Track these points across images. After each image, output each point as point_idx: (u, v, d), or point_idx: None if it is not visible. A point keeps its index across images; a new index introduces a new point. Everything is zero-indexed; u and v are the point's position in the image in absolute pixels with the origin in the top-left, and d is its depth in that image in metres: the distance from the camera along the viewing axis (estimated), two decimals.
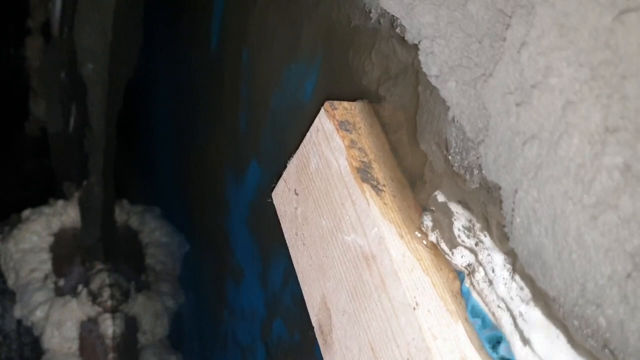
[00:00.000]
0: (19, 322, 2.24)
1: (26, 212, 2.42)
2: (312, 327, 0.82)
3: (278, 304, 0.93)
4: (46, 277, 2.29)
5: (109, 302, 2.19)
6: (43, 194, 5.06)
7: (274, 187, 0.79)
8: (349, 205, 0.64)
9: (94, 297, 2.20)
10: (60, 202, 2.45)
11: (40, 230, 2.37)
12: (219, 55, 1.17)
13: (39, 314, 2.18)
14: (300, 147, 0.73)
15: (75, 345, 2.18)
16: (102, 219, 2.35)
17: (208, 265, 1.32)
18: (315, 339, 0.81)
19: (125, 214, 2.56)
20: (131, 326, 2.26)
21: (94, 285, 2.22)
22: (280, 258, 0.92)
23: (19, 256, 2.31)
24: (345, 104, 0.69)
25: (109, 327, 2.17)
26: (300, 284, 0.73)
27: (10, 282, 2.31)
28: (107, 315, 2.18)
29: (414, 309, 0.55)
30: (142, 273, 2.41)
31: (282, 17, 0.91)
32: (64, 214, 2.44)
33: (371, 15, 0.67)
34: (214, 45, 1.19)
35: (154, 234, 2.49)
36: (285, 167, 0.89)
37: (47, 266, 2.32)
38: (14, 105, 4.23)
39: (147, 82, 1.92)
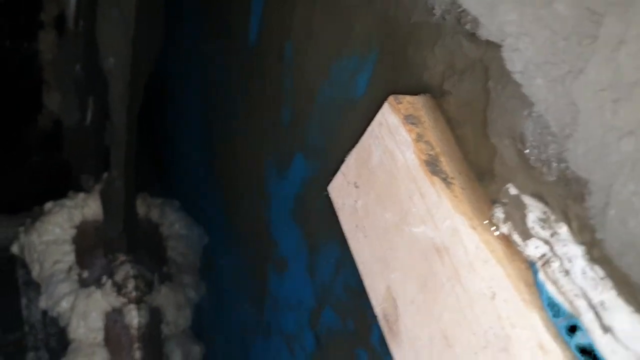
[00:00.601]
0: (44, 312, 2.26)
1: (48, 205, 2.44)
2: (367, 315, 0.84)
3: (328, 294, 0.95)
4: (70, 268, 2.31)
5: (134, 293, 2.21)
6: (55, 187, 5.09)
7: (331, 180, 0.80)
8: (417, 198, 0.65)
9: (119, 288, 2.23)
10: (81, 195, 2.47)
11: (62, 222, 2.39)
12: (258, 50, 1.19)
13: (64, 305, 2.20)
14: (360, 141, 0.74)
15: (100, 336, 2.20)
16: (124, 212, 2.37)
17: (243, 257, 1.34)
18: (371, 327, 0.83)
19: (146, 207, 2.58)
20: (155, 317, 2.28)
21: (119, 277, 2.24)
22: (330, 249, 0.94)
23: (42, 248, 2.34)
24: (409, 98, 0.71)
25: (134, 317, 2.19)
26: (362, 275, 0.75)
27: (35, 273, 2.34)
28: (132, 306, 2.20)
29: (491, 298, 0.57)
30: (164, 265, 2.43)
31: (331, 11, 0.92)
32: (85, 207, 2.46)
33: (434, 12, 0.69)
34: (253, 39, 1.20)
35: (174, 226, 2.51)
36: (337, 160, 0.91)
37: (71, 258, 2.34)
38: (27, 98, 4.25)
39: (169, 74, 1.94)
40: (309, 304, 1.01)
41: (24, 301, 2.25)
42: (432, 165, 0.65)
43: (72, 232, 2.38)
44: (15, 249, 2.39)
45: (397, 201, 0.68)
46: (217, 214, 1.50)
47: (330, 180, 0.92)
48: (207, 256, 2.31)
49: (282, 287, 1.11)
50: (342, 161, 0.91)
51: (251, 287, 1.26)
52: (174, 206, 2.54)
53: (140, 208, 2.54)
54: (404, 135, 0.67)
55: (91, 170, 3.11)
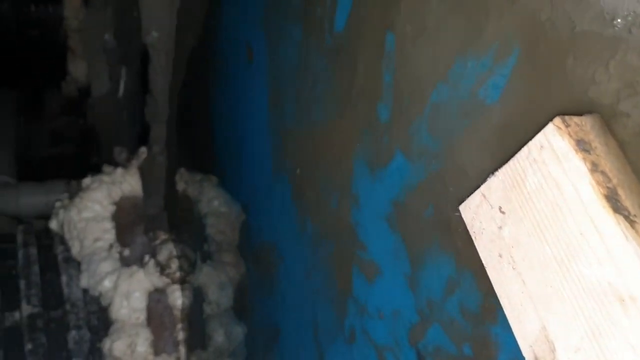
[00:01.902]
0: (85, 291, 2.22)
1: (86, 181, 2.38)
2: (492, 345, 0.78)
3: (437, 312, 0.89)
4: (111, 246, 2.27)
5: (177, 274, 2.17)
6: (76, 151, 5.04)
7: (465, 199, 0.73)
8: (593, 236, 0.58)
9: (162, 268, 2.18)
10: (119, 170, 2.41)
11: (101, 199, 2.33)
12: (347, 36, 1.10)
13: (107, 284, 2.16)
14: (511, 162, 0.67)
15: (143, 316, 2.17)
16: (165, 189, 2.31)
17: (318, 252, 1.28)
18: (497, 357, 0.76)
19: (184, 183, 2.52)
20: (198, 297, 2.25)
21: (162, 257, 2.19)
22: (441, 265, 0.87)
23: (82, 225, 2.29)
24: (577, 119, 0.63)
25: (178, 298, 2.15)
26: (505, 308, 0.68)
27: (75, 251, 2.29)
28: (176, 287, 2.16)
29: None
30: (204, 243, 2.38)
31: (452, 4, 0.84)
32: (124, 182, 2.40)
33: (615, 23, 0.60)
34: (340, 25, 1.12)
35: (213, 203, 2.46)
36: (456, 167, 0.84)
37: (111, 235, 2.30)
38: (51, 65, 4.17)
39: (219, 47, 1.85)
40: (409, 318, 0.95)
41: (64, 279, 2.21)
42: (613, 201, 0.58)
43: (112, 208, 2.32)
44: (54, 225, 2.34)
45: (563, 236, 0.61)
46: (283, 201, 1.43)
47: (443, 190, 0.85)
48: (246, 234, 2.26)
49: (371, 294, 1.05)
50: (462, 171, 0.83)
51: (328, 285, 1.20)
52: (212, 182, 2.49)
53: (179, 184, 2.48)
54: (577, 164, 0.60)
55: (123, 142, 3.04)
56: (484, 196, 0.70)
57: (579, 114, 0.65)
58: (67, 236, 2.31)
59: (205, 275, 2.23)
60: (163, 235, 2.28)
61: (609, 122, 0.63)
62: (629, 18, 0.59)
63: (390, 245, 0.99)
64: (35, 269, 2.20)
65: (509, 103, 0.75)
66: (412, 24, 0.92)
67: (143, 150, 2.44)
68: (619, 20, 0.60)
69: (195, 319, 2.22)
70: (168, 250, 2.19)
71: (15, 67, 4.17)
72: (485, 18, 0.78)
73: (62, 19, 3.92)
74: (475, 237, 0.72)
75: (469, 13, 0.81)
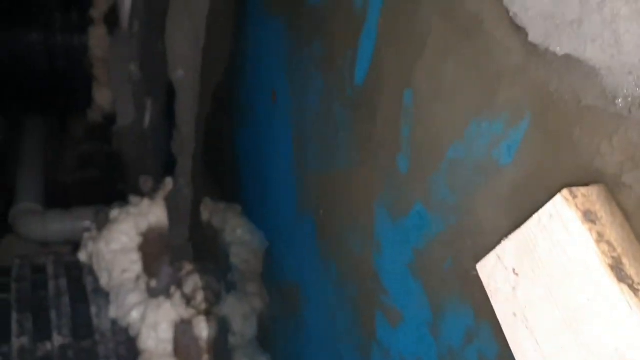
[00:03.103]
0: (114, 322, 2.28)
1: (114, 212, 2.45)
2: None
3: (457, 358, 0.93)
4: (138, 277, 2.33)
5: (203, 305, 2.22)
6: (101, 176, 5.13)
7: (482, 254, 0.77)
8: (599, 304, 0.62)
9: (188, 299, 2.24)
10: (146, 202, 2.48)
11: (129, 230, 2.40)
12: (367, 90, 1.15)
13: (134, 315, 2.22)
14: (523, 228, 0.71)
15: (170, 347, 2.22)
16: (190, 220, 2.37)
17: (341, 294, 1.32)
18: None
19: (208, 213, 2.58)
20: (223, 327, 2.29)
21: (187, 288, 2.25)
22: (460, 315, 0.91)
23: (110, 257, 2.35)
24: (583, 190, 0.67)
25: (204, 329, 2.20)
26: None
27: (104, 282, 2.36)
28: (202, 318, 2.21)
29: None
30: (228, 273, 2.43)
31: (468, 69, 0.89)
32: (150, 214, 2.47)
33: (617, 102, 0.65)
34: (360, 79, 1.17)
35: (236, 232, 2.51)
36: (472, 222, 0.88)
37: (138, 266, 2.36)
38: (77, 92, 4.27)
39: (245, 87, 1.91)
40: None
41: (93, 309, 2.27)
42: (617, 270, 0.62)
43: (139, 239, 2.39)
44: (83, 256, 2.41)
45: (572, 301, 0.65)
46: (307, 241, 1.48)
47: (461, 243, 0.89)
48: (269, 262, 2.31)
49: (395, 339, 1.09)
50: (479, 226, 0.88)
51: (353, 328, 1.24)
52: (236, 211, 2.54)
53: (203, 214, 2.54)
54: (583, 234, 0.64)
55: (149, 171, 3.12)
56: (499, 258, 0.75)
57: (586, 182, 0.69)
58: (95, 267, 2.38)
59: (230, 306, 2.28)
60: (188, 266, 2.33)
61: (614, 192, 0.67)
62: (629, 99, 0.63)
63: (412, 292, 1.04)
64: (66, 299, 2.27)
65: (521, 166, 0.80)
66: (430, 82, 0.97)
67: (169, 181, 2.51)
68: (620, 100, 0.64)
69: (221, 350, 2.27)
70: (194, 282, 2.24)
71: (43, 95, 4.28)
72: (498, 83, 0.83)
73: (87, 48, 4.02)
74: (491, 296, 0.76)
75: (483, 77, 0.86)
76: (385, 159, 1.10)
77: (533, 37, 0.74)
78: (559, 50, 0.70)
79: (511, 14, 0.77)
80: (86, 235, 2.49)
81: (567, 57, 0.70)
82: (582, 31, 0.66)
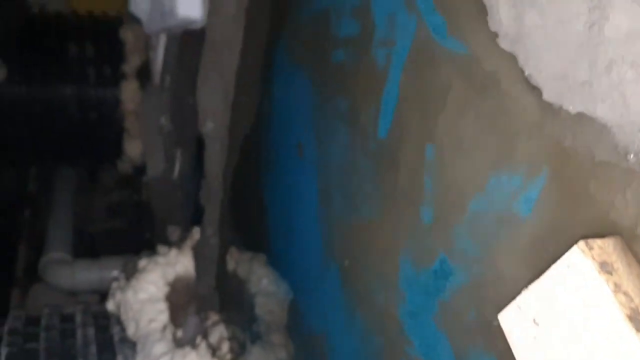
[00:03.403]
0: None
1: (142, 262, 2.49)
2: None
3: None
4: (164, 327, 2.35)
5: (228, 356, 2.23)
6: (129, 225, 5.21)
7: (504, 304, 0.79)
8: (619, 354, 0.64)
9: (213, 350, 2.25)
10: (173, 252, 2.52)
11: (156, 280, 2.44)
12: (390, 143, 1.20)
13: None
14: (542, 278, 0.73)
15: None
16: (216, 270, 2.40)
17: (366, 343, 1.33)
18: None
19: (234, 262, 2.61)
20: None
21: (213, 338, 2.26)
22: None
23: (137, 306, 2.38)
24: (599, 241, 0.69)
25: None
26: None
27: (130, 331, 2.38)
28: None
29: None
30: (253, 323, 2.44)
31: (486, 124, 0.92)
32: (178, 264, 2.51)
33: (629, 157, 0.68)
34: (383, 133, 1.22)
35: (262, 282, 2.53)
36: (495, 273, 0.90)
37: (164, 316, 2.38)
38: (108, 144, 4.39)
39: (270, 138, 1.97)
40: None
41: (120, 359, 2.29)
42: (636, 321, 0.64)
43: (166, 289, 2.42)
44: (111, 305, 2.45)
45: (592, 350, 0.67)
46: (333, 290, 1.51)
47: (484, 293, 0.91)
48: (294, 315, 2.32)
49: None
50: (500, 277, 0.90)
51: None
52: (261, 261, 2.57)
53: (229, 263, 2.57)
54: (600, 285, 0.66)
55: (177, 221, 3.18)
56: (520, 308, 0.77)
57: (603, 234, 0.71)
58: (123, 317, 2.41)
59: (255, 357, 2.28)
60: (214, 316, 2.35)
61: (629, 243, 0.69)
62: None
63: (437, 344, 1.05)
64: (93, 349, 2.30)
65: (539, 218, 0.82)
66: (450, 137, 1.01)
67: (196, 230, 2.56)
68: (631, 155, 0.67)
69: None
70: (219, 332, 2.26)
71: (75, 146, 4.39)
72: (516, 139, 0.87)
73: (119, 101, 4.15)
74: (513, 345, 0.78)
75: (502, 133, 0.90)
76: (409, 210, 1.14)
77: (547, 96, 0.78)
78: (572, 108, 0.74)
79: (526, 74, 0.81)
80: (114, 284, 2.53)
81: (580, 115, 0.73)
82: (592, 92, 0.69)
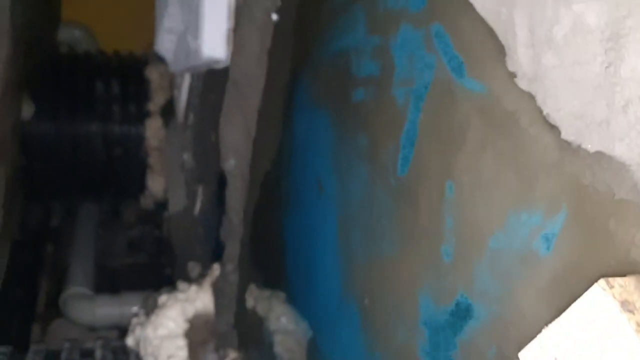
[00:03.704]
0: None
1: (162, 298, 2.50)
2: None
3: None
4: None
5: None
6: (150, 261, 5.24)
7: (525, 343, 0.79)
8: None
9: None
10: (193, 288, 2.53)
11: (176, 316, 2.44)
12: (409, 180, 1.21)
13: None
14: (563, 317, 0.73)
15: None
16: (236, 306, 2.40)
17: None
18: None
19: (253, 300, 2.60)
20: None
21: None
22: None
23: (157, 342, 2.38)
24: (620, 280, 0.69)
25: None
26: None
27: None
28: None
29: None
30: None
31: (506, 162, 0.93)
32: (197, 300, 2.51)
33: None
34: (403, 170, 1.23)
35: (281, 320, 2.52)
36: (515, 312, 0.90)
37: (183, 353, 2.38)
38: (131, 179, 4.45)
39: (292, 174, 1.99)
40: None
41: None
42: None
43: (185, 326, 2.42)
44: (130, 341, 2.45)
45: None
46: (352, 330, 1.50)
47: (504, 332, 0.91)
48: (313, 353, 2.30)
49: None
50: (521, 315, 0.89)
51: None
52: (280, 298, 2.57)
53: (248, 300, 2.57)
54: (622, 324, 0.66)
55: (197, 257, 3.20)
56: (541, 347, 0.76)
57: (623, 272, 0.71)
58: (142, 352, 2.41)
59: None
60: (233, 353, 2.35)
61: None
62: None
63: None
64: None
65: (560, 256, 0.82)
66: (470, 175, 1.02)
67: (216, 267, 2.57)
68: None
69: None
70: None
71: (99, 182, 4.45)
72: (535, 177, 0.87)
73: (143, 138, 4.22)
74: None
75: (521, 171, 0.90)
76: (429, 248, 1.14)
77: (565, 134, 0.79)
78: (590, 147, 0.74)
79: (544, 113, 0.82)
80: (134, 320, 2.54)
81: (599, 154, 0.74)
82: (610, 131, 0.70)
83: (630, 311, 0.67)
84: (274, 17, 2.01)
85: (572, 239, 0.81)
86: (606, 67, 0.72)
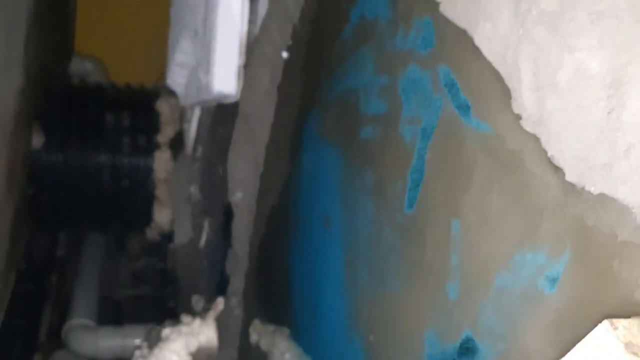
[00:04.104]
0: None
1: (166, 331, 2.49)
2: None
3: None
4: None
5: None
6: (154, 293, 5.22)
7: None
8: None
9: None
10: (197, 322, 2.52)
11: (179, 349, 2.43)
12: (416, 218, 1.22)
13: None
14: (567, 357, 0.74)
15: None
16: (239, 341, 2.40)
17: None
18: None
19: (257, 335, 2.59)
20: None
21: None
22: None
23: None
24: (624, 322, 0.70)
25: None
26: None
27: None
28: None
29: None
30: None
31: (511, 202, 0.95)
32: (201, 334, 2.50)
33: None
34: (409, 207, 1.24)
35: (285, 356, 2.50)
36: (520, 350, 0.90)
37: None
38: (138, 211, 4.47)
39: (302, 212, 2.01)
40: None
41: None
42: None
43: (188, 359, 2.41)
44: None
45: None
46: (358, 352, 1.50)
47: None
48: None
49: None
50: (526, 355, 0.90)
51: None
52: (284, 334, 2.56)
53: (252, 335, 2.56)
54: None
55: (201, 290, 3.19)
56: None
57: (628, 314, 0.72)
58: None
59: None
60: None
61: None
62: None
63: None
64: None
65: (564, 296, 0.83)
66: (476, 213, 1.04)
67: (221, 301, 2.57)
68: None
69: None
70: None
71: (107, 213, 4.46)
72: (539, 217, 0.89)
73: (151, 170, 4.25)
74: None
75: (526, 210, 0.92)
76: (435, 285, 1.15)
77: (569, 176, 0.80)
78: (594, 189, 0.76)
79: (549, 155, 0.84)
80: (137, 353, 2.53)
81: (602, 196, 0.75)
82: (612, 174, 0.72)
83: (635, 353, 0.68)
84: (285, 54, 2.06)
85: (576, 279, 0.82)
86: (608, 112, 0.74)
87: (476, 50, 1.00)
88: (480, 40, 0.99)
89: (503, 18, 0.92)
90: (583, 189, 0.79)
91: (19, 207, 3.64)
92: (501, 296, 0.96)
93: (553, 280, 0.86)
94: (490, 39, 0.96)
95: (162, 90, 4.17)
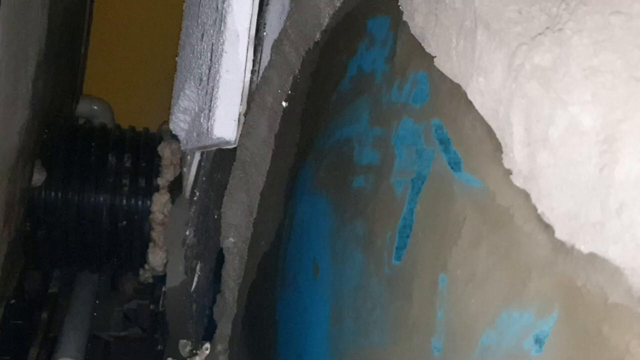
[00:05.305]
0: None
1: None
2: None
3: None
4: None
5: None
6: (143, 335, 5.13)
7: None
8: None
9: None
10: None
11: None
12: (403, 272, 1.19)
13: None
14: None
15: None
16: None
17: None
18: None
19: None
20: None
21: None
22: None
23: None
24: None
25: None
26: None
27: None
28: None
29: None
30: None
31: (499, 258, 0.92)
32: None
33: None
34: (397, 259, 1.22)
35: None
36: None
37: None
38: (133, 252, 4.44)
39: (292, 259, 1.98)
40: None
41: None
42: None
43: None
44: None
45: None
46: None
47: None
48: None
49: None
50: None
51: None
52: None
53: None
54: None
55: (189, 334, 3.13)
56: None
57: None
58: None
59: None
60: None
61: None
62: None
63: None
64: None
65: (551, 358, 0.80)
66: (463, 269, 1.01)
67: (207, 346, 2.51)
68: None
69: None
70: None
71: (102, 253, 4.44)
72: (528, 275, 0.86)
73: (149, 212, 4.24)
74: None
75: (514, 268, 0.89)
76: (420, 340, 1.11)
77: (559, 234, 0.78)
78: (584, 248, 0.74)
79: (539, 211, 0.82)
80: None
81: (592, 255, 0.73)
82: (604, 233, 0.69)
83: None
84: (284, 104, 2.07)
85: (564, 341, 0.78)
86: (600, 169, 0.72)
87: (469, 105, 1.00)
88: (473, 94, 0.98)
89: (496, 72, 0.91)
90: (573, 247, 0.76)
91: (13, 242, 3.61)
92: (486, 355, 0.92)
93: (540, 342, 0.82)
94: (483, 93, 0.95)
95: (165, 134, 4.19)
